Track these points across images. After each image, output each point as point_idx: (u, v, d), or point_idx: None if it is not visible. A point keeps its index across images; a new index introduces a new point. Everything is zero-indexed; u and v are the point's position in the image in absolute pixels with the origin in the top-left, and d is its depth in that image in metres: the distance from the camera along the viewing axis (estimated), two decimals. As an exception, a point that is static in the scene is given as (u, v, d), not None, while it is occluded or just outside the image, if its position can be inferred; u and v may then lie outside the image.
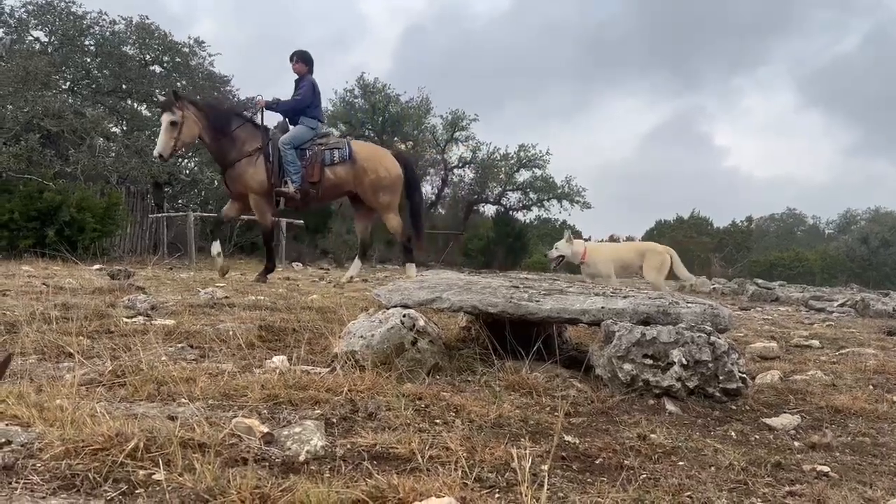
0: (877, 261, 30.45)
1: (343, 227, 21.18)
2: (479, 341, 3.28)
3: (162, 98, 8.16)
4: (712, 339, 2.73)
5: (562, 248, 7.45)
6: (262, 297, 5.93)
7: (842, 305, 9.00)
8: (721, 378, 2.68)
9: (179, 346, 3.29)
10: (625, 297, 3.10)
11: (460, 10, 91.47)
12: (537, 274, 22.72)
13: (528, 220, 30.80)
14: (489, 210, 30.21)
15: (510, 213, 29.03)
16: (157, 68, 19.03)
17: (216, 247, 8.62)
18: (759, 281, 14.44)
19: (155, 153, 7.91)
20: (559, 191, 28.37)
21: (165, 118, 7.82)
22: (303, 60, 8.38)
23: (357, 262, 9.11)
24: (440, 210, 30.93)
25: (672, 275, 7.93)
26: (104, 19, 17.93)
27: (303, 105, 8.27)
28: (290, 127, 8.32)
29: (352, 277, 8.95)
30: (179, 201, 20.37)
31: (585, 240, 10.14)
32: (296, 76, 8.41)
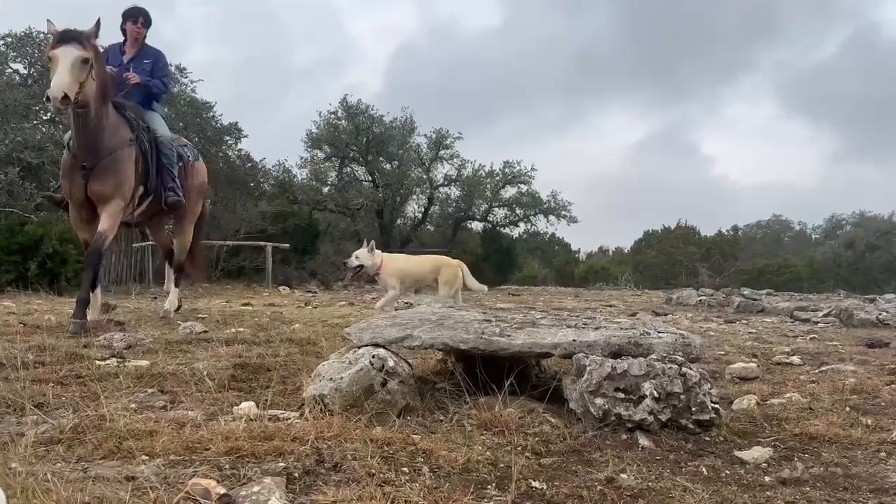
0: (864, 265, 30.64)
1: (331, 248, 21.14)
2: (454, 376, 3.25)
3: (64, 27, 5.64)
4: (683, 369, 2.71)
5: (363, 257, 7.21)
6: (243, 330, 5.89)
7: (826, 315, 9.02)
8: (693, 409, 2.66)
9: (149, 391, 3.24)
10: (596, 328, 3.09)
11: (450, 28, 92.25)
12: (527, 289, 22.76)
13: (516, 236, 30.89)
14: (477, 227, 30.28)
15: (497, 229, 29.08)
16: (139, 96, 18.99)
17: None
18: (746, 292, 14.49)
19: (52, 92, 5.25)
20: (545, 206, 28.44)
21: (73, 51, 5.43)
22: (148, 23, 6.72)
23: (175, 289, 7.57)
24: (428, 227, 30.96)
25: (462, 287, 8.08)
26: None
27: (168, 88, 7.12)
28: (150, 114, 6.61)
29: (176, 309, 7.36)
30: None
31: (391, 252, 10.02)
32: (134, 40, 6.63)
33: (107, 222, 5.91)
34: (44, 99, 5.61)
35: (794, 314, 9.52)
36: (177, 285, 7.64)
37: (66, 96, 5.31)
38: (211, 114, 20.10)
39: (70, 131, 5.97)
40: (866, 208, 41.16)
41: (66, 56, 5.40)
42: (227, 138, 21.53)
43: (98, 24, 5.65)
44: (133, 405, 2.91)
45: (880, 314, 8.77)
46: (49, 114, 17.71)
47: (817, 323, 8.55)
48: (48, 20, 5.64)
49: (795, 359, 4.81)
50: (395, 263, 7.47)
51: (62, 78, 5.32)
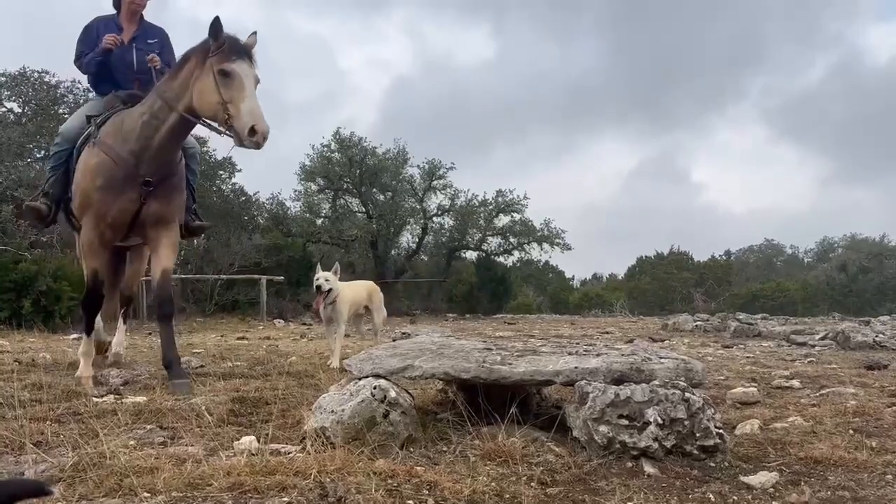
0: (857, 287, 30.73)
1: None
2: (456, 406, 3.23)
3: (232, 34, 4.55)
4: (687, 395, 2.70)
5: (332, 281, 5.95)
6: (239, 364, 5.86)
7: (823, 338, 9.03)
8: (698, 435, 2.65)
9: (148, 427, 3.21)
10: (598, 354, 3.08)
11: (444, 62, 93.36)
12: (522, 317, 22.74)
13: (510, 264, 30.91)
14: (471, 256, 30.31)
15: (492, 257, 29.11)
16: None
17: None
18: (741, 316, 14.50)
19: (265, 128, 4.33)
20: (538, 234, 28.50)
21: (253, 73, 4.51)
22: None
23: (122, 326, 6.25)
24: (422, 257, 30.97)
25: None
26: (78, 87, 18.04)
27: None
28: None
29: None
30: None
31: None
32: (133, 13, 5.31)
33: (172, 255, 5.00)
34: (246, 133, 4.28)
35: (791, 338, 9.52)
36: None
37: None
38: (204, 149, 20.17)
39: (104, 127, 4.76)
40: (857, 231, 41.49)
41: (250, 78, 4.44)
42: (221, 173, 21.61)
43: (255, 37, 4.65)
44: (133, 442, 2.89)
45: (876, 336, 8.78)
46: (43, 151, 17.77)
47: (814, 346, 8.55)
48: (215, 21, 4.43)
49: (795, 382, 4.81)
50: (345, 290, 6.18)
51: (261, 108, 4.41)
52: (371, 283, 6.87)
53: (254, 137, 4.32)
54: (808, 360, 6.78)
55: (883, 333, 9.43)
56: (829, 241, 43.62)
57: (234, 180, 22.66)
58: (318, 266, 6.09)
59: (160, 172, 4.72)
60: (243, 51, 4.50)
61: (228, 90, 4.38)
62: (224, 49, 4.45)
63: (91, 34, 5.17)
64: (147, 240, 5.00)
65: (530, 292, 33.94)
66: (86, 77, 5.44)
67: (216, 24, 4.47)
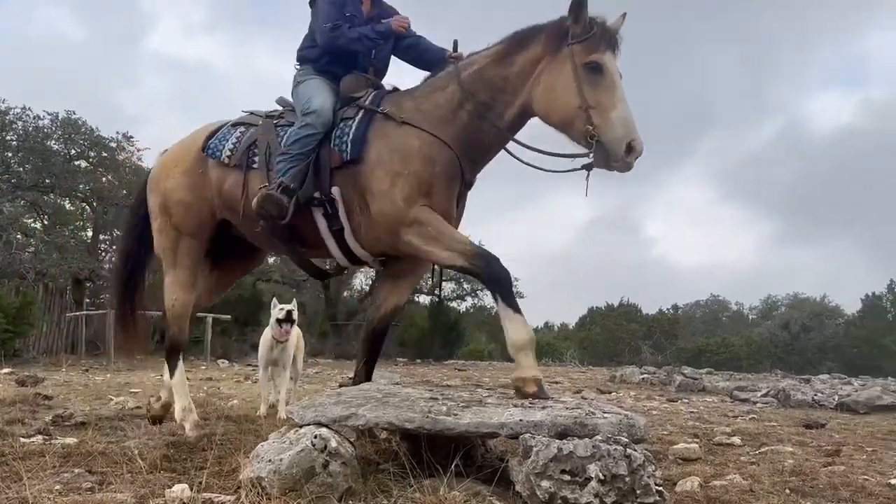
0: (799, 346, 31.56)
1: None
2: (398, 457, 3.18)
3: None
4: (628, 451, 2.71)
5: (296, 315, 5.57)
6: (179, 406, 5.67)
7: (765, 395, 9.21)
8: (638, 492, 2.65)
9: (76, 471, 3.07)
10: (543, 407, 3.08)
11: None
12: (473, 364, 22.63)
13: (462, 310, 30.91)
14: (424, 300, 30.24)
15: (445, 303, 29.08)
16: (83, 163, 18.74)
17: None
18: (687, 370, 14.72)
19: (642, 144, 3.35)
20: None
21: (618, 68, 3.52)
22: None
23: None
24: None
25: None
26: (28, 115, 17.68)
27: None
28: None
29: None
30: (102, 297, 19.64)
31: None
32: None
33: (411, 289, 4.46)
34: (622, 150, 3.31)
35: (734, 394, 9.69)
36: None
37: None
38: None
39: (387, 106, 3.88)
40: (800, 290, 42.83)
41: (620, 78, 3.47)
42: (172, 207, 21.25)
43: (623, 20, 3.59)
44: (58, 487, 2.76)
45: (815, 395, 9.00)
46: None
47: (756, 403, 8.72)
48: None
49: (736, 439, 4.87)
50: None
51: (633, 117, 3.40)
52: (298, 329, 6.21)
53: (629, 157, 3.35)
54: (750, 416, 6.90)
55: (822, 392, 9.68)
56: (772, 300, 44.91)
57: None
58: (276, 300, 5.80)
59: (475, 173, 3.95)
60: (615, 41, 3.52)
61: (595, 91, 3.38)
62: (594, 36, 3.43)
63: (337, 4, 4.19)
64: (396, 260, 4.00)
65: (482, 339, 33.92)
66: (308, 50, 4.28)
67: (579, 1, 3.45)
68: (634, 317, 35.03)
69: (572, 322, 42.03)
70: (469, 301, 30.23)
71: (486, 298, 29.93)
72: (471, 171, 3.83)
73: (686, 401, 8.88)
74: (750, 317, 47.24)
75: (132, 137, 19.23)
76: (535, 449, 2.71)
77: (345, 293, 28.23)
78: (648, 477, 2.68)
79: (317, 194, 3.80)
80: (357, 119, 3.85)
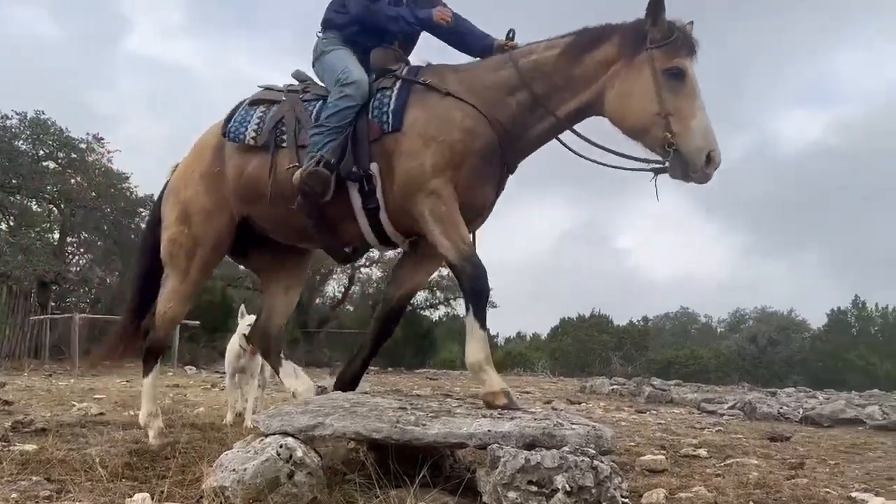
0: (766, 359, 32.02)
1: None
2: (365, 467, 3.15)
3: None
4: (595, 462, 2.72)
5: None
6: (143, 412, 5.57)
7: (731, 408, 9.31)
8: (604, 504, 2.66)
9: (34, 479, 2.99)
10: (511, 418, 3.07)
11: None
12: (445, 373, 22.58)
13: (435, 319, 30.89)
14: (396, 309, 30.08)
15: (418, 311, 29.03)
16: (51, 164, 18.43)
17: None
18: (656, 382, 14.85)
19: (720, 156, 3.31)
20: (465, 290, 28.65)
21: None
22: None
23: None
24: (348, 308, 30.61)
25: None
26: (11, 119, 17.38)
27: None
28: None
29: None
30: (68, 301, 19.29)
31: None
32: None
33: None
34: (702, 162, 3.24)
35: (701, 406, 9.78)
36: None
37: None
38: (126, 185, 19.63)
39: (429, 77, 3.75)
40: (767, 304, 43.41)
41: (697, 82, 3.42)
42: (142, 210, 20.97)
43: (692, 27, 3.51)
44: (15, 495, 2.69)
45: (781, 408, 9.13)
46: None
47: (723, 415, 8.81)
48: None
49: (702, 451, 4.91)
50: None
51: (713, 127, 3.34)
52: None
53: (708, 168, 3.29)
54: (717, 429, 6.97)
55: (787, 405, 9.82)
56: (740, 313, 45.51)
57: (154, 219, 21.98)
58: (244, 309, 5.66)
59: (517, 159, 3.81)
60: (694, 48, 3.42)
61: (675, 98, 3.31)
62: (675, 41, 3.35)
63: None
64: (424, 240, 3.80)
65: (455, 348, 33.91)
66: (336, 14, 4.09)
67: (657, 2, 3.36)
68: (605, 328, 35.27)
69: (544, 332, 42.24)
70: (442, 310, 30.23)
71: (459, 308, 29.94)
72: (512, 156, 3.71)
73: (654, 412, 8.95)
74: (718, 329, 47.84)
75: (103, 139, 19.00)
76: (502, 460, 2.71)
77: (317, 300, 28.04)
78: (615, 489, 2.69)
79: (354, 168, 3.64)
80: (396, 89, 3.71)
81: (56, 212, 19.83)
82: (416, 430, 2.91)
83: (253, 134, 3.91)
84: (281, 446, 2.66)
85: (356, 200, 3.68)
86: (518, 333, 45.41)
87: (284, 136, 3.83)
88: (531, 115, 3.62)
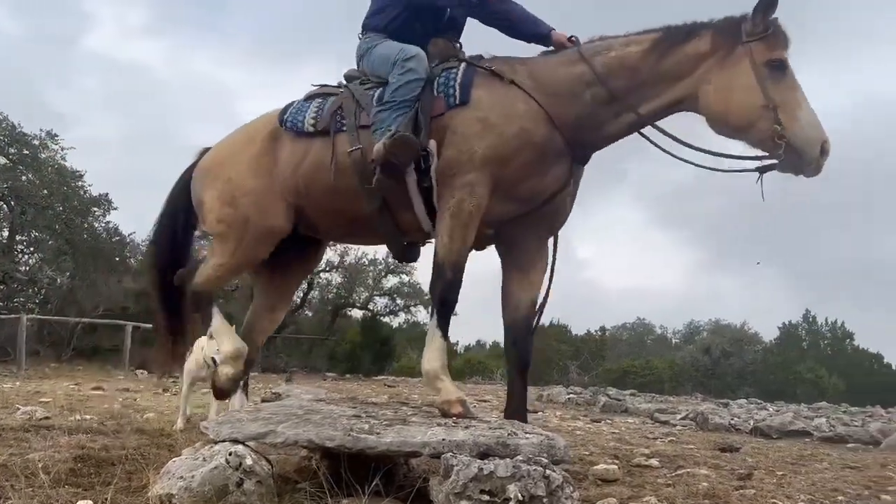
0: (719, 371, 32.61)
1: (200, 330, 20.09)
2: (317, 475, 3.11)
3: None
4: (548, 472, 2.73)
5: None
6: (90, 417, 5.44)
7: (684, 418, 9.46)
8: (556, 514, 2.67)
9: (-30, 486, 2.88)
10: (466, 427, 3.07)
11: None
12: (404, 380, 22.49)
13: (395, 325, 30.77)
14: (357, 314, 29.94)
15: (378, 318, 28.88)
16: (2, 160, 17.89)
17: None
18: (611, 391, 15.03)
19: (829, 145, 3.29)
20: (426, 297, 28.60)
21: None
22: None
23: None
24: (307, 313, 30.30)
25: None
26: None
27: None
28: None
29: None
30: (15, 301, 18.71)
31: None
32: None
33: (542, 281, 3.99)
34: (816, 152, 3.23)
35: (655, 416, 9.92)
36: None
37: None
38: (80, 183, 19.15)
39: (497, 66, 3.67)
40: (721, 317, 44.22)
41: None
42: (95, 210, 20.50)
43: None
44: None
45: (732, 419, 9.30)
46: None
47: (675, 425, 8.94)
48: None
49: (654, 461, 4.97)
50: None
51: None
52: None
53: (823, 159, 3.25)
54: (669, 439, 7.07)
55: (738, 416, 10.02)
56: (695, 325, 46.24)
57: (108, 219, 21.50)
58: None
59: (590, 151, 3.71)
60: (789, 41, 3.37)
61: (780, 90, 3.24)
62: (773, 34, 3.32)
63: None
64: (516, 248, 3.75)
65: (414, 355, 33.80)
66: (375, 17, 4.01)
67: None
68: (564, 337, 35.57)
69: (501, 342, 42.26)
70: (402, 316, 30.12)
71: (420, 315, 29.90)
72: (581, 151, 3.62)
73: (609, 421, 9.04)
74: (673, 340, 48.58)
75: (57, 136, 18.51)
76: (455, 468, 2.70)
77: (275, 305, 27.66)
78: (566, 498, 2.70)
79: None
80: (462, 68, 3.65)
81: (6, 209, 19.26)
82: (369, 438, 2.88)
83: (312, 121, 3.82)
84: (230, 454, 2.61)
85: (411, 178, 3.54)
86: (478, 341, 45.50)
87: (344, 121, 3.74)
88: (606, 112, 3.54)
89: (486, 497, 2.63)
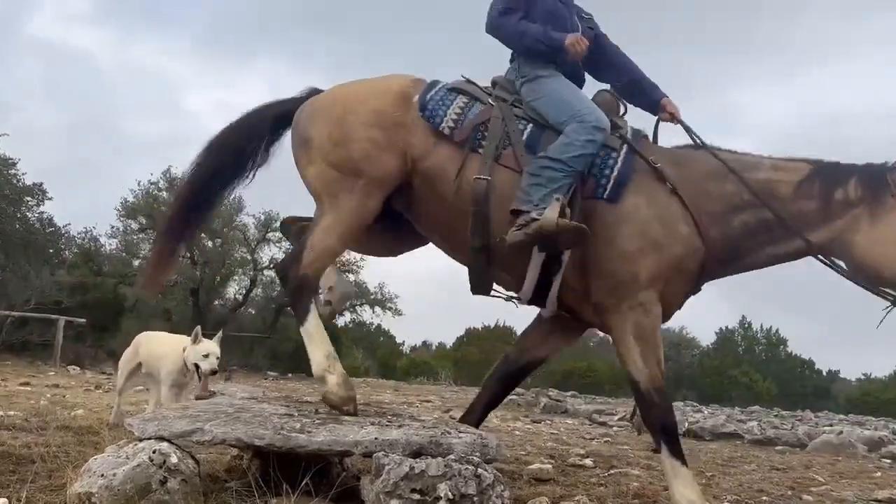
0: (657, 373, 33.38)
1: (136, 326, 19.55)
2: (248, 473, 3.05)
3: None
4: (479, 471, 2.74)
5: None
6: (14, 413, 5.21)
7: (621, 419, 9.65)
8: (486, 512, 2.68)
9: None
10: (399, 426, 3.06)
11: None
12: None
13: (340, 325, 30.49)
14: (300, 313, 29.49)
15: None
16: (-72, 144, 17.08)
17: None
18: (552, 393, 15.23)
19: None
20: (372, 297, 28.50)
21: None
22: None
23: None
24: (249, 311, 29.77)
25: None
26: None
27: None
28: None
29: None
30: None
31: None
32: None
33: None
34: None
35: (593, 417, 10.10)
36: None
37: None
38: (13, 171, 18.41)
39: (656, 157, 3.42)
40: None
41: None
42: (28, 199, 19.72)
43: None
44: None
45: (666, 420, 9.52)
46: None
47: (612, 427, 9.11)
48: None
49: (589, 461, 5.06)
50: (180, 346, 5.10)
51: None
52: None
53: None
54: (605, 439, 7.20)
55: (672, 418, 10.26)
56: (636, 328, 47.17)
57: (42, 209, 20.67)
58: (199, 332, 4.93)
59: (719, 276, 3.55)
60: None
61: None
62: None
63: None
64: (573, 319, 3.63)
65: (359, 355, 33.58)
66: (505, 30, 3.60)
67: None
68: (509, 339, 35.82)
69: (450, 342, 42.46)
70: (347, 316, 29.89)
71: (365, 315, 29.73)
72: (705, 279, 3.48)
73: (549, 422, 9.16)
74: (616, 344, 49.37)
75: (-12, 123, 17.74)
76: (387, 467, 2.69)
77: (216, 302, 27.16)
78: (497, 497, 2.72)
79: None
80: (623, 154, 3.37)
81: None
82: (300, 437, 2.84)
83: (451, 124, 3.43)
84: (154, 451, 2.54)
85: (539, 256, 3.30)
86: (424, 342, 45.52)
87: (483, 143, 3.38)
88: (751, 240, 3.38)
89: (417, 496, 2.62)
